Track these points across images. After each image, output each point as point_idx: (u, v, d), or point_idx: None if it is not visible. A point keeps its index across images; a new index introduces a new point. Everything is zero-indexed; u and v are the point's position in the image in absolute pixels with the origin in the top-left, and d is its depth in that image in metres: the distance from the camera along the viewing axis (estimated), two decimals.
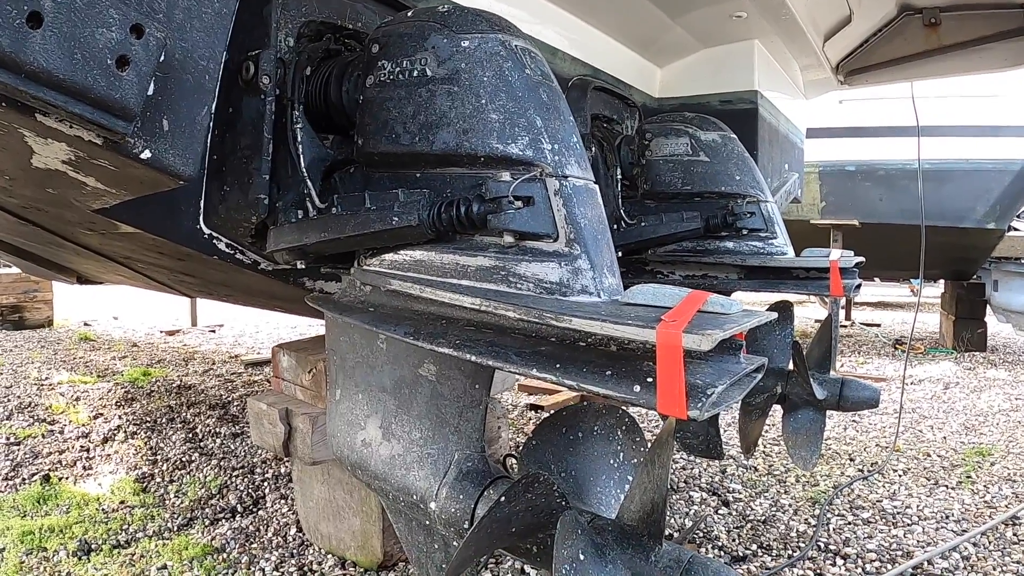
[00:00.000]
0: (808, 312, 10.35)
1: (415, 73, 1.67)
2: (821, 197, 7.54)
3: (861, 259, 2.88)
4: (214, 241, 1.97)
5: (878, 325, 9.68)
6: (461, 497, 1.57)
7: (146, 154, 1.24)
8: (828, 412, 3.00)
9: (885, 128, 7.22)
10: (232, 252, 2.02)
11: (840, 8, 3.96)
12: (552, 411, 4.73)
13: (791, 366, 2.90)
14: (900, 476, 3.77)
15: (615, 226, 3.18)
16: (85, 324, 8.59)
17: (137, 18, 1.15)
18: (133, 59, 1.15)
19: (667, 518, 3.00)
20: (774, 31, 3.77)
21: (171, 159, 1.28)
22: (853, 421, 4.82)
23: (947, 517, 3.21)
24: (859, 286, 2.83)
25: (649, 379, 1.20)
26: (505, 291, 1.50)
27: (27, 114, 1.16)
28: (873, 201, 7.33)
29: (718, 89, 4.00)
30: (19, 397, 4.83)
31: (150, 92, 1.20)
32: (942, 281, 8.47)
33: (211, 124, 1.76)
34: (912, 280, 12.21)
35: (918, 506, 3.33)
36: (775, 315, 1.50)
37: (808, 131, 5.63)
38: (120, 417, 4.43)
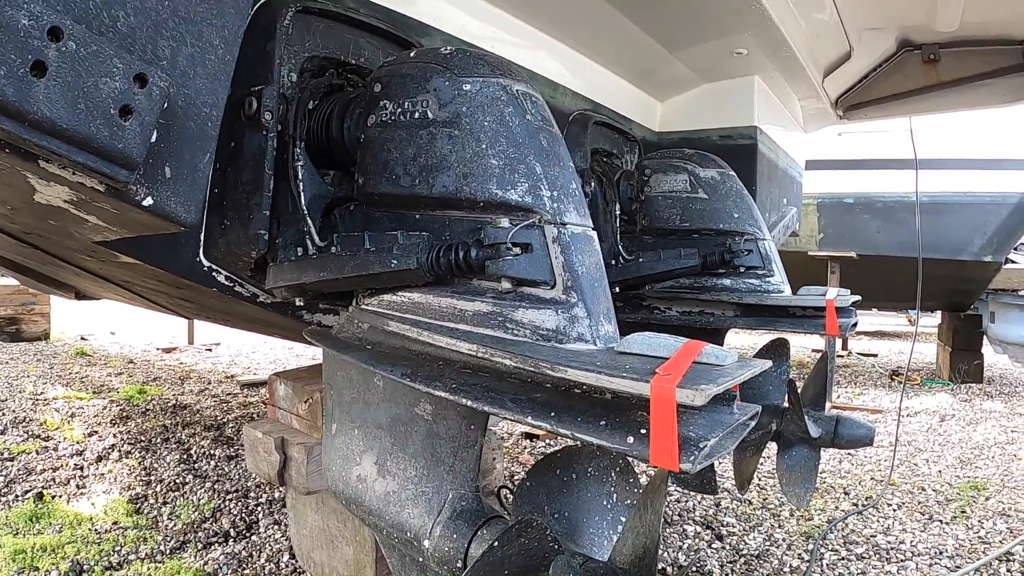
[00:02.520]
0: (805, 342, 10.34)
1: (416, 115, 1.68)
2: (819, 229, 7.57)
3: (857, 298, 2.89)
4: (213, 274, 1.98)
5: (875, 355, 9.68)
6: (455, 536, 1.57)
7: (148, 201, 1.25)
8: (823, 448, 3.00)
9: (883, 161, 7.26)
10: (231, 285, 2.03)
11: (840, 44, 3.99)
12: (546, 439, 4.73)
13: (786, 403, 2.91)
14: (894, 511, 3.76)
15: (613, 261, 3.19)
16: (82, 339, 8.59)
17: (141, 67, 1.16)
18: (136, 108, 1.15)
19: (661, 551, 2.99)
20: (774, 67, 3.80)
21: (173, 206, 1.29)
22: (848, 454, 4.81)
23: (941, 553, 3.21)
24: (855, 324, 2.84)
25: (643, 430, 1.21)
26: (502, 337, 1.50)
27: (30, 160, 1.17)
28: (871, 233, 7.36)
29: (718, 124, 4.02)
30: (14, 411, 4.82)
31: (152, 140, 1.21)
32: (939, 312, 8.48)
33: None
34: (909, 311, 12.22)
35: (912, 541, 3.33)
36: (769, 363, 1.50)
37: (807, 163, 5.66)
38: (115, 435, 4.42)
